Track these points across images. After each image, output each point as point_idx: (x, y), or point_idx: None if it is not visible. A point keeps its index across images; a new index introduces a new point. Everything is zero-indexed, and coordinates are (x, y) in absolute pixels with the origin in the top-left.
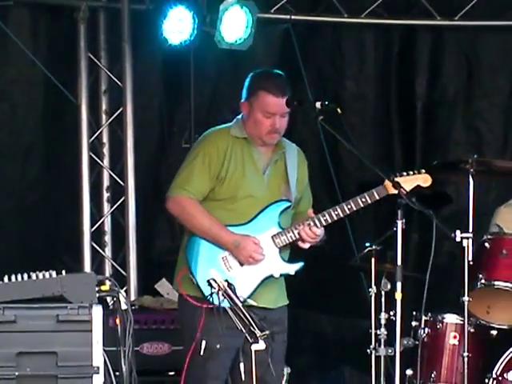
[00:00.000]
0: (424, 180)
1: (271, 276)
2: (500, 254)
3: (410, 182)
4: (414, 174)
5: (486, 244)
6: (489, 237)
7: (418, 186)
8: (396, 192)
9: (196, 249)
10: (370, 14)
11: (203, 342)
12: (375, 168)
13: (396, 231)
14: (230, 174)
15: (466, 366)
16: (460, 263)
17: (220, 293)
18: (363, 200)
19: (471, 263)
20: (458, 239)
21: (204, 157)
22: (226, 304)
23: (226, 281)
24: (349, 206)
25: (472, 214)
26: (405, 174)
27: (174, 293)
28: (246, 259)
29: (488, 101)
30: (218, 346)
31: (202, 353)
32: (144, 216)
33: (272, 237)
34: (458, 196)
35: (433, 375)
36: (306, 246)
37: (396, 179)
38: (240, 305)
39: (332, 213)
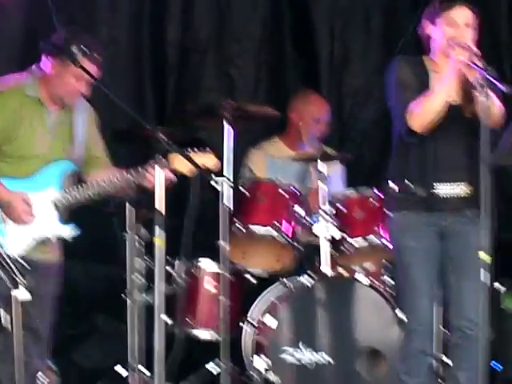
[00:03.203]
0: (209, 161)
1: (47, 238)
2: (256, 199)
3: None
4: (200, 152)
5: (241, 189)
6: (243, 182)
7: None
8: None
9: None
10: None
11: None
12: (138, 117)
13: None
14: (20, 135)
15: (223, 311)
16: (215, 209)
17: None
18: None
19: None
20: (213, 184)
21: None
22: None
23: None
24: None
25: (227, 159)
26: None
27: None
28: (15, 220)
29: (239, 47)
30: None
31: None
32: None
33: (52, 198)
34: (211, 142)
35: (191, 321)
36: None
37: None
38: (1, 251)
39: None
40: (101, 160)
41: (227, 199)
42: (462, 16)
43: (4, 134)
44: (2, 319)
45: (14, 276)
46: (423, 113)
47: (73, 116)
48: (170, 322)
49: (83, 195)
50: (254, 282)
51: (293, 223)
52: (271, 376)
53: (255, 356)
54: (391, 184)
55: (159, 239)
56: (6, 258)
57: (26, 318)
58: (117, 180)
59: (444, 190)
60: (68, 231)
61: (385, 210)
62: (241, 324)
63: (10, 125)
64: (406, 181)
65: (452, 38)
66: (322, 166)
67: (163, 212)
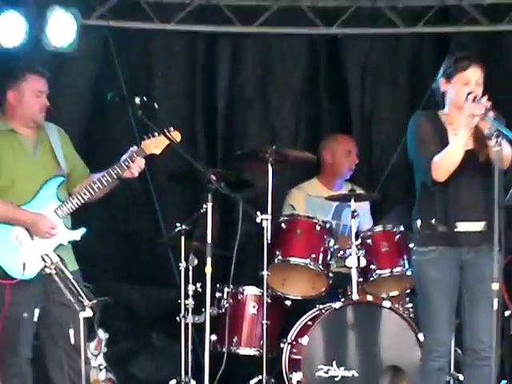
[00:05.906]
0: (175, 136)
1: (61, 244)
2: (294, 233)
3: (161, 142)
4: (164, 134)
5: (283, 224)
6: (285, 218)
7: (171, 143)
8: (155, 152)
9: None
10: (179, 22)
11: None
12: (192, 160)
13: (205, 213)
14: (4, 166)
15: (264, 332)
16: (259, 241)
17: (52, 266)
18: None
19: (269, 241)
20: (258, 220)
21: None
22: (28, 276)
23: (58, 255)
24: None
25: (270, 198)
26: (151, 135)
27: None
28: (43, 234)
29: (281, 99)
30: (24, 315)
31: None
32: None
33: (54, 210)
34: (255, 182)
35: (235, 340)
36: None
37: (146, 141)
38: (70, 276)
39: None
40: (82, 172)
41: (269, 234)
42: (475, 75)
43: None
44: (72, 337)
45: (82, 299)
46: (446, 165)
47: (48, 136)
48: (217, 340)
49: (80, 199)
50: (289, 304)
51: (327, 255)
52: None
53: (294, 373)
54: (418, 222)
55: (209, 268)
56: (72, 281)
57: (59, 330)
58: (104, 178)
59: (464, 227)
60: (77, 234)
61: (410, 244)
62: (280, 344)
63: None
64: (432, 220)
65: (467, 94)
66: (353, 204)
67: (212, 244)
